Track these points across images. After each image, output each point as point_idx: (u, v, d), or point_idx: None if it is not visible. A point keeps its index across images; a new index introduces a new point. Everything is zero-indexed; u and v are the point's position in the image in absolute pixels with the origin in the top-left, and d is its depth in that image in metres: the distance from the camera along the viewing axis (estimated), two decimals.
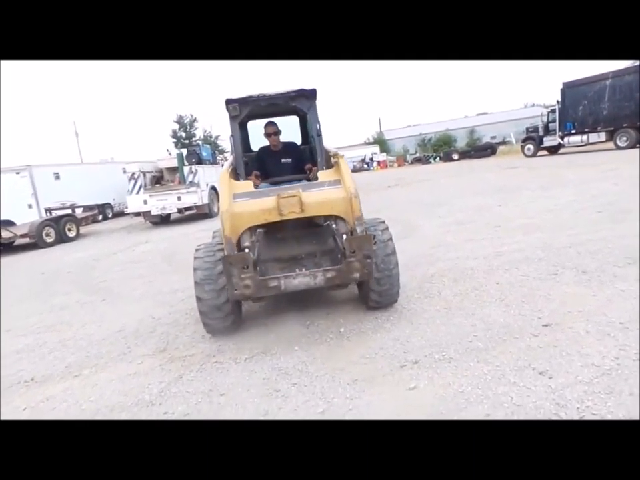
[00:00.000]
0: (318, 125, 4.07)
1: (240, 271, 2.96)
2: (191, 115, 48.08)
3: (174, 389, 2.98)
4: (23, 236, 12.55)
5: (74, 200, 17.37)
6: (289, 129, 4.63)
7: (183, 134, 47.49)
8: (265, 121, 4.29)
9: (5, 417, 2.88)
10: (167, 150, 21.44)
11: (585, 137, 20.39)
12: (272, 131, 4.20)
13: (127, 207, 15.65)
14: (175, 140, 46.50)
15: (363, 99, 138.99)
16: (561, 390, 2.35)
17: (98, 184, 20.42)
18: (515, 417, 2.19)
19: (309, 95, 3.90)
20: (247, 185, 3.56)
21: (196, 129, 48.50)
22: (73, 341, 4.23)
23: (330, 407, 2.52)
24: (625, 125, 18.79)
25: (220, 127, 50.77)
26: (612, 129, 19.32)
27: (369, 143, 53.86)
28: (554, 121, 21.79)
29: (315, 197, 3.32)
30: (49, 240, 12.83)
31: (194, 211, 14.54)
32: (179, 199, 13.98)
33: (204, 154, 16.18)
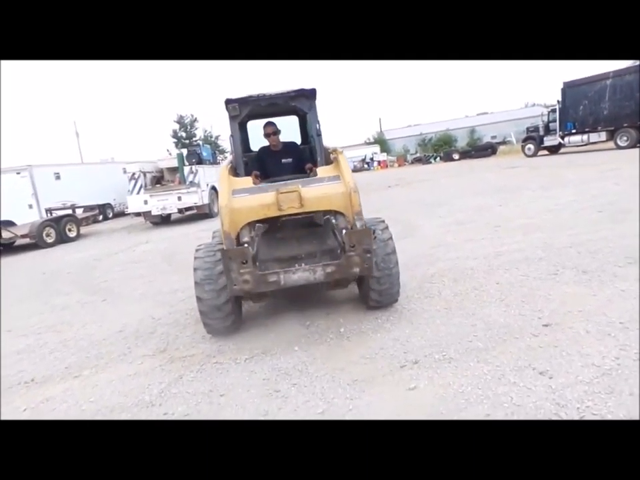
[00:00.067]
0: (318, 125, 4.07)
1: (239, 265, 2.95)
2: (192, 115, 48.15)
3: (174, 389, 2.98)
4: (23, 236, 12.55)
5: (74, 200, 17.36)
6: (289, 129, 4.62)
7: (184, 134, 47.51)
8: (265, 121, 4.29)
9: (4, 417, 2.88)
10: (167, 150, 21.46)
11: (585, 137, 20.39)
12: (271, 131, 4.20)
13: (127, 207, 15.66)
14: (175, 140, 46.52)
15: (363, 98, 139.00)
16: (561, 390, 2.35)
17: (98, 184, 20.43)
18: (515, 417, 2.19)
19: (309, 95, 3.90)
20: (246, 181, 3.56)
21: (196, 128, 48.56)
22: (74, 342, 4.24)
23: (330, 407, 2.52)
24: (625, 124, 18.78)
25: (220, 127, 50.81)
26: (612, 128, 19.32)
27: (370, 143, 53.82)
28: (554, 121, 21.78)
29: (315, 192, 3.31)
30: (49, 240, 12.83)
31: (194, 211, 14.54)
32: (179, 199, 13.98)
33: (204, 154, 16.19)
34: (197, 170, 14.20)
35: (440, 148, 45.55)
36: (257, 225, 3.43)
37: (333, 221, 3.44)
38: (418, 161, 42.12)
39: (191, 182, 14.02)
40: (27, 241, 12.72)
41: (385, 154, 46.69)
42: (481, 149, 35.71)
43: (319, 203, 3.34)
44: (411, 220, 8.60)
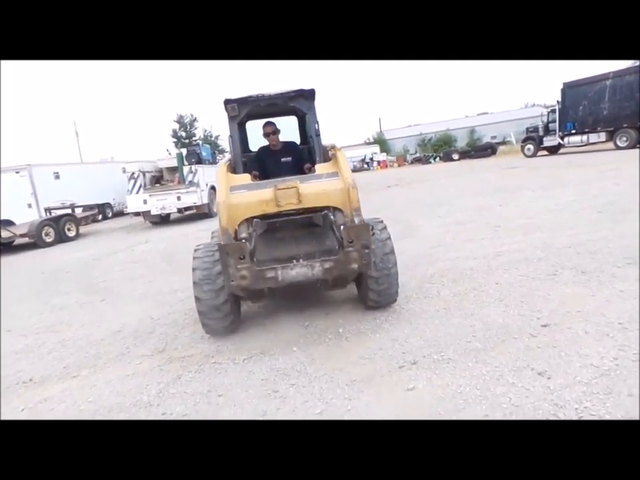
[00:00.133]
0: (317, 125, 4.07)
1: (237, 261, 2.93)
2: (191, 115, 48.14)
3: (172, 389, 2.97)
4: (22, 235, 12.54)
5: (74, 199, 17.35)
6: (288, 129, 4.62)
7: (183, 133, 47.51)
8: (264, 121, 4.28)
9: (2, 418, 2.88)
10: (167, 150, 21.44)
11: (584, 137, 20.39)
12: (270, 131, 4.20)
13: (126, 207, 15.64)
14: (175, 140, 46.51)
15: (363, 98, 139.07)
16: (559, 390, 2.35)
17: (98, 183, 20.42)
18: (513, 418, 2.19)
19: (308, 95, 3.89)
20: (245, 178, 3.56)
21: (196, 128, 48.55)
22: (72, 342, 4.23)
23: (328, 407, 2.51)
24: (625, 125, 18.79)
25: (220, 127, 50.79)
26: (612, 129, 19.32)
27: (369, 143, 53.79)
28: (554, 121, 21.79)
29: (313, 188, 3.30)
30: (48, 240, 12.82)
31: (193, 211, 14.55)
32: (178, 198, 13.97)
33: (204, 154, 16.18)
34: (196, 170, 14.19)
35: (440, 148, 45.55)
36: (255, 220, 3.41)
37: (332, 217, 3.44)
38: (417, 161, 42.13)
39: (190, 182, 14.02)
40: (26, 240, 12.71)
41: (385, 154, 46.67)
42: (480, 149, 35.71)
43: (317, 199, 3.33)
44: (410, 220, 8.60)
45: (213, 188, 14.77)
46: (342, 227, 3.10)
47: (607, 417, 2.08)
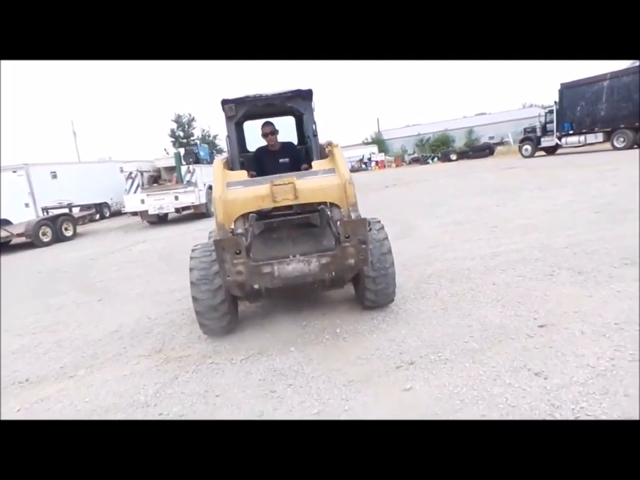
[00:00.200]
0: (314, 126, 4.07)
1: (232, 256, 2.91)
2: (189, 115, 47.96)
3: (169, 389, 2.97)
4: (19, 235, 12.50)
5: (71, 199, 17.31)
6: (286, 129, 4.62)
7: (181, 133, 47.34)
8: (262, 121, 4.28)
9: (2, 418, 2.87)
10: (165, 149, 21.47)
11: (582, 138, 20.45)
12: (269, 131, 4.19)
13: (124, 207, 15.62)
14: (172, 139, 46.37)
15: (362, 98, 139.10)
16: (556, 391, 2.35)
17: (95, 183, 20.39)
18: (510, 418, 2.19)
19: (305, 96, 3.89)
20: (241, 174, 3.55)
21: (194, 128, 48.36)
22: (69, 342, 4.22)
23: (325, 407, 2.51)
24: (622, 125, 18.86)
25: (218, 127, 50.64)
26: (609, 129, 19.39)
27: (367, 143, 53.83)
28: (552, 122, 21.83)
29: (309, 183, 3.29)
30: (45, 239, 12.79)
31: (191, 211, 14.54)
32: (176, 198, 13.96)
33: (201, 153, 16.15)
34: (194, 169, 14.19)
35: (437, 148, 45.60)
36: (251, 214, 3.39)
37: (329, 213, 3.43)
38: (416, 161, 42.14)
39: (188, 181, 14.01)
40: (23, 239, 12.67)
41: (383, 154, 46.67)
42: (478, 150, 35.75)
43: (314, 195, 3.31)
44: (409, 220, 8.60)
45: (210, 188, 14.72)
46: (338, 223, 3.09)
47: (603, 417, 2.09)
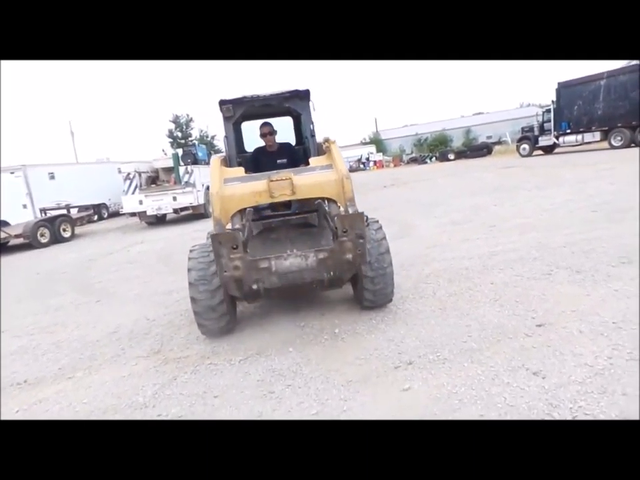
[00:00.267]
0: (312, 126, 4.07)
1: (229, 250, 2.90)
2: (187, 115, 47.89)
3: (168, 390, 2.96)
4: (17, 236, 12.47)
5: (69, 200, 17.25)
6: (284, 129, 4.62)
7: (179, 134, 47.27)
8: (260, 121, 4.28)
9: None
10: (163, 150, 21.45)
11: (579, 137, 20.53)
12: (267, 131, 4.20)
13: (122, 207, 15.58)
14: (171, 140, 46.29)
15: (360, 99, 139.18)
16: (554, 390, 2.35)
17: (93, 184, 20.33)
18: (508, 418, 2.19)
19: (303, 96, 3.90)
20: (238, 171, 3.55)
21: (192, 128, 48.29)
22: (67, 343, 4.21)
23: (324, 408, 2.51)
24: (619, 124, 18.94)
25: (216, 127, 50.55)
26: (606, 128, 19.47)
27: (366, 143, 53.89)
28: (549, 121, 21.90)
29: (306, 179, 3.29)
30: (43, 240, 12.75)
31: (190, 211, 14.51)
32: (174, 199, 13.94)
33: (200, 154, 16.16)
34: (192, 170, 14.17)
35: (435, 148, 45.64)
36: (248, 209, 3.39)
37: (326, 208, 3.43)
38: (414, 161, 42.17)
39: (186, 182, 13.99)
40: (21, 241, 12.64)
41: (381, 154, 46.74)
42: (476, 149, 35.79)
43: (311, 191, 3.31)
44: (407, 220, 8.61)
45: (208, 188, 14.72)
46: (335, 218, 3.09)
47: (602, 417, 2.09)
